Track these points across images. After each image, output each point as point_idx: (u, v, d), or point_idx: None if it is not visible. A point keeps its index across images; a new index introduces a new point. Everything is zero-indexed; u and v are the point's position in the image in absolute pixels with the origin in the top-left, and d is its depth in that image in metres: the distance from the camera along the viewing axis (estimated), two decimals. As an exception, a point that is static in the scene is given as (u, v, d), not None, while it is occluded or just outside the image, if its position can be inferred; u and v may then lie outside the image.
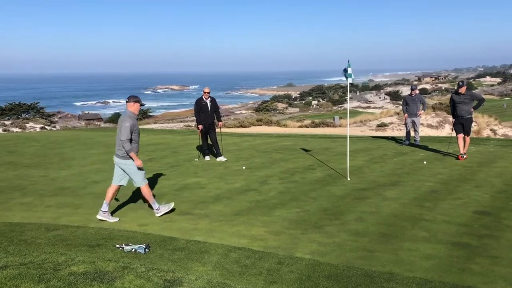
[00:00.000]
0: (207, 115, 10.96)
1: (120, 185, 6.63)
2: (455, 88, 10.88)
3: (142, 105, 6.58)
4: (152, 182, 8.91)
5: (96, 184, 8.82)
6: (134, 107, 6.45)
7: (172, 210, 6.70)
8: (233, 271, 4.53)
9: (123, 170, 6.48)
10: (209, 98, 11.00)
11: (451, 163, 10.32)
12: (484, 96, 16.27)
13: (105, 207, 6.43)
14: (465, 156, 10.62)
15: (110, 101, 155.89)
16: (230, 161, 11.15)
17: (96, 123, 47.95)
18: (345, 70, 8.84)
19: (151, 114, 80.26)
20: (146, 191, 6.54)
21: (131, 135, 6.30)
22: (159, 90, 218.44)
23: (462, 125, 10.63)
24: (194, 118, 11.73)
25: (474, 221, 6.03)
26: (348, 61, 8.92)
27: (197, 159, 11.31)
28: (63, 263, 4.35)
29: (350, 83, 9.12)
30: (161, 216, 6.57)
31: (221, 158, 11.12)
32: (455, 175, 8.94)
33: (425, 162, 10.35)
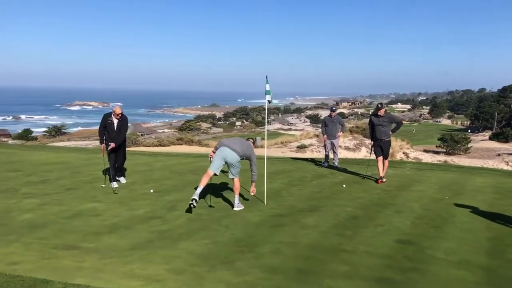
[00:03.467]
0: (111, 135, 9.62)
1: (214, 173, 7.60)
2: (374, 110, 10.74)
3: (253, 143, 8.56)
4: (39, 208, 7.56)
5: (-33, 211, 7.30)
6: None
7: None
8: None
9: (228, 163, 7.65)
10: (119, 117, 9.68)
11: (370, 186, 10.05)
12: (399, 120, 16.54)
13: (199, 190, 7.36)
14: (384, 180, 10.44)
15: (23, 116, 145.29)
16: (137, 183, 9.99)
17: (3, 139, 43.62)
18: (267, 91, 8.39)
19: (65, 131, 75.27)
20: (237, 183, 7.80)
21: None
22: (76, 107, 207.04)
23: (381, 147, 10.47)
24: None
25: (397, 252, 5.55)
26: (266, 77, 8.38)
27: (103, 185, 9.74)
28: None
29: (269, 102, 8.59)
30: (237, 210, 7.63)
31: (114, 184, 9.64)
32: (375, 199, 8.60)
33: (344, 186, 9.99)
